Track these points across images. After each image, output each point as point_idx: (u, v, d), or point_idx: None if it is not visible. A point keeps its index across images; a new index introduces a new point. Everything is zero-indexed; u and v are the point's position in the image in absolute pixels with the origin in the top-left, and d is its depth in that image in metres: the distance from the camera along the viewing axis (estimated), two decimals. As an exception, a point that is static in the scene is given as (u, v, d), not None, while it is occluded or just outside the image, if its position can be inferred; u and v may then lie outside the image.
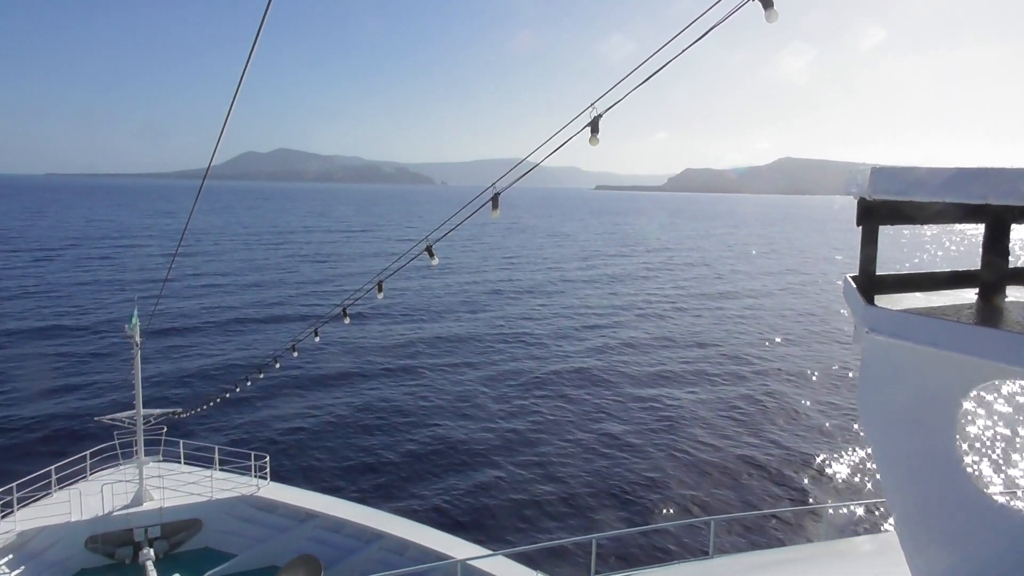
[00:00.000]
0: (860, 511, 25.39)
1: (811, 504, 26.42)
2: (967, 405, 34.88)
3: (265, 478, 22.71)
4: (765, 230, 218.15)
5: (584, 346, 52.12)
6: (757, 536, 24.34)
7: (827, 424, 35.76)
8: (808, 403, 39.27)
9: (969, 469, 4.90)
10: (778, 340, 55.92)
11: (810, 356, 50.59)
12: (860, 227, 5.32)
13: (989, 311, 5.16)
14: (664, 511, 26.36)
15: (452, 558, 17.14)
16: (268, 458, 23.00)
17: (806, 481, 29.24)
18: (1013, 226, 5.67)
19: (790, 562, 11.47)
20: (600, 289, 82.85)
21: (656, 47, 6.63)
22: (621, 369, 45.78)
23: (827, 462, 31.08)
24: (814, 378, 44.59)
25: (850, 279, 5.61)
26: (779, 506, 26.69)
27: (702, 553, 17.57)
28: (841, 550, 11.40)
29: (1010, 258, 5.81)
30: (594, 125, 7.60)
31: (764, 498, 27.65)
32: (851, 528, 24.32)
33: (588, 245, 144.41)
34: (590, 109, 7.55)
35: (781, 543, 23.09)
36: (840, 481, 29.37)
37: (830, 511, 24.27)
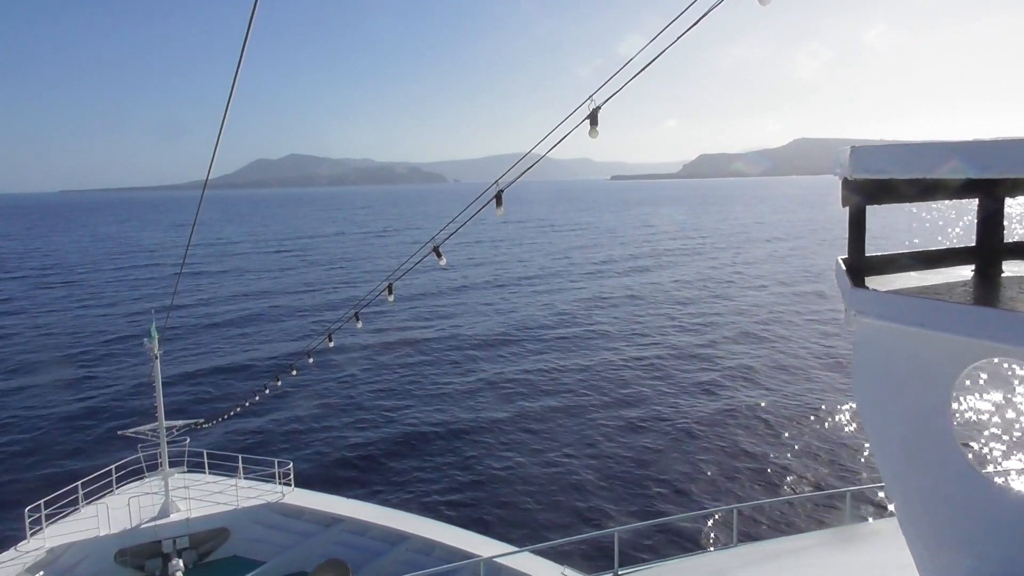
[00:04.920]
0: (881, 494, 25.16)
1: (832, 489, 26.21)
2: (961, 386, 34.38)
3: (290, 484, 22.83)
4: (802, 214, 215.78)
5: (608, 341, 52.05)
6: (780, 523, 24.20)
7: (850, 408, 35.50)
8: (833, 388, 39.02)
9: (965, 450, 4.74)
10: (800, 327, 55.61)
11: (833, 343, 50.28)
12: (846, 208, 5.19)
13: (984, 288, 5.03)
14: (687, 502, 26.25)
15: (478, 556, 17.14)
16: (291, 465, 23.12)
17: (827, 467, 29.03)
18: (1008, 200, 5.51)
19: (813, 548, 11.40)
20: (628, 283, 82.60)
21: (662, 37, 6.54)
22: (644, 363, 45.65)
23: (847, 446, 30.84)
24: (839, 364, 44.29)
25: (841, 261, 5.48)
26: (801, 493, 26.53)
27: (727, 541, 17.48)
28: (864, 533, 11.31)
29: (1004, 232, 5.65)
30: (593, 117, 7.51)
31: (785, 486, 27.49)
32: (873, 512, 24.10)
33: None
34: (588, 102, 7.46)
35: (804, 529, 22.92)
36: (861, 465, 29.10)
37: (868, 495, 24.09)
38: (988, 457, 29.02)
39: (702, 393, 38.37)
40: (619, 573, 13.10)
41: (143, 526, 21.03)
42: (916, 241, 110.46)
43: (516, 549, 17.86)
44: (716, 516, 24.25)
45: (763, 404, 36.13)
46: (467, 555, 18.14)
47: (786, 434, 32.15)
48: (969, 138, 4.39)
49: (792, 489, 27.00)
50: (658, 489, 27.17)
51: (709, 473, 28.39)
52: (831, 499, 24.75)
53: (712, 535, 23.56)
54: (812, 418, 34.03)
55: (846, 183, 5.02)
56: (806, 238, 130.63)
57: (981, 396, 35.23)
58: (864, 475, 27.99)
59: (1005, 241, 5.70)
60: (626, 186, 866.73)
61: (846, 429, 32.57)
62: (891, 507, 22.88)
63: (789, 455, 29.95)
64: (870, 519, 22.06)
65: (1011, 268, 5.58)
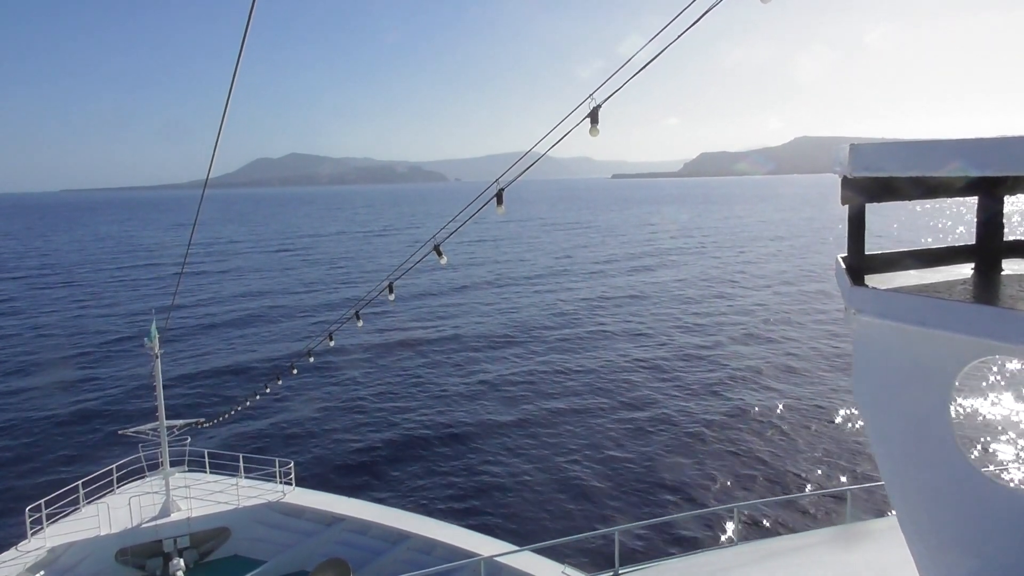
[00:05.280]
0: (882, 493, 25.11)
1: (833, 488, 26.20)
2: (961, 384, 34.38)
3: (291, 484, 22.83)
4: (804, 213, 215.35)
5: (610, 341, 52.03)
6: (780, 522, 24.18)
7: (851, 406, 35.47)
8: (835, 386, 39.00)
9: (965, 449, 4.73)
10: (803, 326, 55.58)
11: (836, 342, 50.24)
12: (846, 206, 5.16)
13: (984, 286, 5.02)
14: (688, 502, 26.23)
15: (479, 555, 17.13)
16: (292, 464, 23.12)
17: (828, 465, 29.00)
18: (1009, 199, 5.50)
19: (814, 546, 11.40)
20: (630, 282, 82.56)
21: (663, 36, 6.54)
22: (646, 363, 45.63)
23: (849, 445, 30.81)
24: (841, 363, 44.28)
25: (840, 260, 5.47)
26: (801, 492, 26.50)
27: (727, 541, 17.50)
28: (864, 532, 11.32)
29: (1004, 231, 5.63)
30: (594, 115, 7.48)
31: (786, 484, 27.46)
32: (874, 511, 24.09)
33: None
34: (589, 100, 7.43)
35: (804, 528, 22.91)
36: (862, 463, 29.09)
37: (868, 493, 24.04)
38: (988, 456, 28.99)
39: (704, 392, 38.33)
40: (619, 572, 13.09)
41: (144, 525, 21.03)
42: (928, 240, 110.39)
43: (517, 548, 17.84)
44: (716, 516, 24.22)
45: (765, 403, 36.09)
46: (468, 554, 18.13)
47: (788, 433, 32.11)
48: (969, 136, 4.37)
49: (793, 488, 26.97)
50: (659, 489, 27.14)
51: (711, 473, 28.35)
52: (832, 498, 24.72)
53: (712, 534, 23.54)
54: (814, 417, 33.98)
55: (846, 181, 5.01)
56: (807, 236, 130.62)
57: (981, 395, 35.21)
58: (865, 474, 27.96)
59: (1005, 239, 5.69)
60: (627, 185, 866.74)
61: (847, 428, 32.54)
62: (892, 505, 22.88)
63: (790, 454, 29.90)
64: (871, 518, 22.04)
65: (1011, 266, 5.57)
